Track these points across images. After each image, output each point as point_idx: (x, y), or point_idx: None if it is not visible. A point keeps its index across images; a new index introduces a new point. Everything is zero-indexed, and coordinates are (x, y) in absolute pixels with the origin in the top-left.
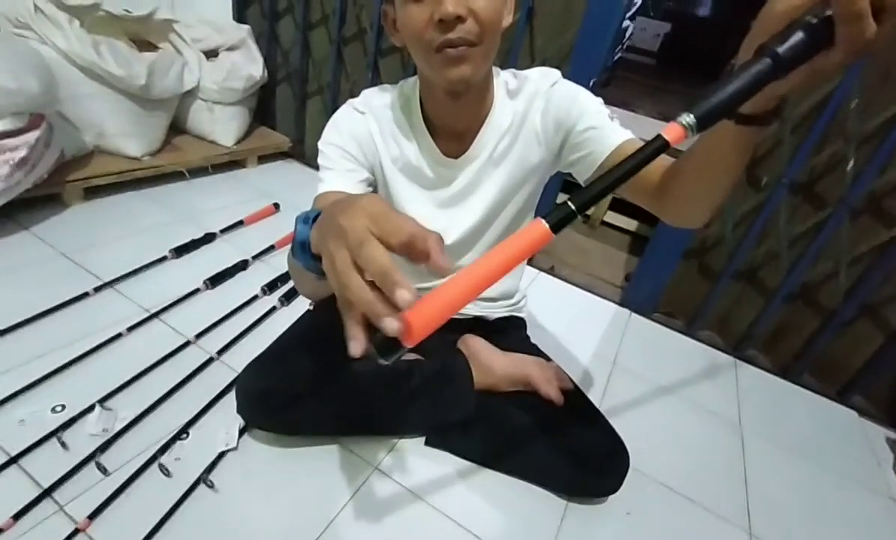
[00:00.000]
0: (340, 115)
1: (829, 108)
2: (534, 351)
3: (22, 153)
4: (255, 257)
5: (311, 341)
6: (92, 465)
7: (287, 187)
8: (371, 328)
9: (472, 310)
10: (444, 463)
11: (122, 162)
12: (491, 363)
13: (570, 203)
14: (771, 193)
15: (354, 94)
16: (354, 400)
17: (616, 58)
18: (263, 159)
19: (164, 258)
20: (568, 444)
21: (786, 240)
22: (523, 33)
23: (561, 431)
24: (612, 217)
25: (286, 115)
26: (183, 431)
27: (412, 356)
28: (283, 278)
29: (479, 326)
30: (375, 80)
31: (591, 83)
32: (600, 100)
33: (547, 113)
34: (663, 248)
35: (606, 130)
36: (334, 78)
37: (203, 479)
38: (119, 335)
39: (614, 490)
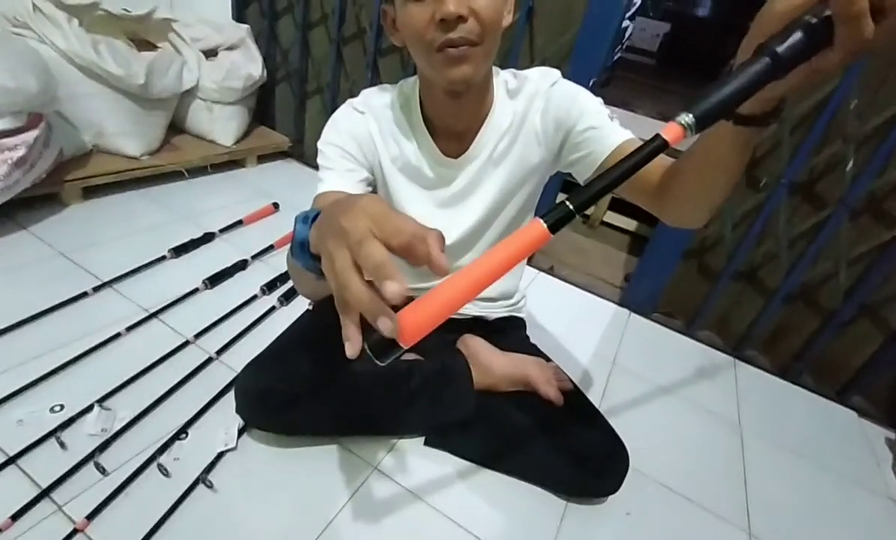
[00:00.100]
0: (340, 115)
1: (828, 108)
2: (533, 351)
3: (20, 152)
4: (255, 257)
5: (310, 341)
6: (90, 465)
7: (286, 187)
8: (369, 330)
9: (471, 310)
10: (444, 463)
11: (121, 161)
12: (490, 363)
13: (568, 203)
14: (770, 194)
15: (354, 94)
16: (354, 400)
17: (616, 58)
18: (263, 159)
19: (163, 258)
20: (567, 444)
21: (785, 240)
22: (523, 33)
23: (560, 431)
24: (612, 217)
25: (285, 114)
26: (182, 431)
27: (412, 356)
28: (283, 278)
29: (479, 326)
30: (375, 80)
31: (590, 83)
32: (600, 100)
33: (547, 113)
34: (663, 248)
35: (606, 130)
36: (334, 77)
37: (202, 479)
38: (118, 335)
39: (614, 490)
